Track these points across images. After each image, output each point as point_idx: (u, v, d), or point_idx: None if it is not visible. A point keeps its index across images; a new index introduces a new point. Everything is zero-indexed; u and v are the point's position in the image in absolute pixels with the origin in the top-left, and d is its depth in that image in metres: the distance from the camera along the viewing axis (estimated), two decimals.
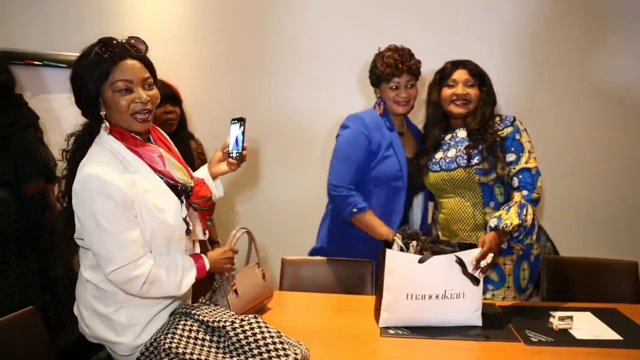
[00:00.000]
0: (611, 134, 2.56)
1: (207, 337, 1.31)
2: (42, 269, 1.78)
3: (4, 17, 2.44)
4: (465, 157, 1.81)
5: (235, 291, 1.52)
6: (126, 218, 1.24)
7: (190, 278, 1.35)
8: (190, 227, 1.36)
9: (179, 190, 1.38)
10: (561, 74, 2.54)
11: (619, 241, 2.55)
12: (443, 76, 1.89)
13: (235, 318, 1.32)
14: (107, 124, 1.28)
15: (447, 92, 1.86)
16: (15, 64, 1.88)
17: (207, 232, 1.50)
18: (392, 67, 1.85)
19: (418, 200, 2.02)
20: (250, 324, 1.30)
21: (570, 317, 1.52)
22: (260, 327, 1.29)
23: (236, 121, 1.50)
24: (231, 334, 1.28)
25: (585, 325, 1.54)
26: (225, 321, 1.31)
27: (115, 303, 1.32)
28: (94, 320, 1.35)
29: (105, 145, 1.29)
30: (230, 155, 1.50)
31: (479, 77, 1.86)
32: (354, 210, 1.84)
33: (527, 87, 2.57)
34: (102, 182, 1.21)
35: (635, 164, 2.57)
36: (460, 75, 1.85)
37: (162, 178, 1.33)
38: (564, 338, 1.46)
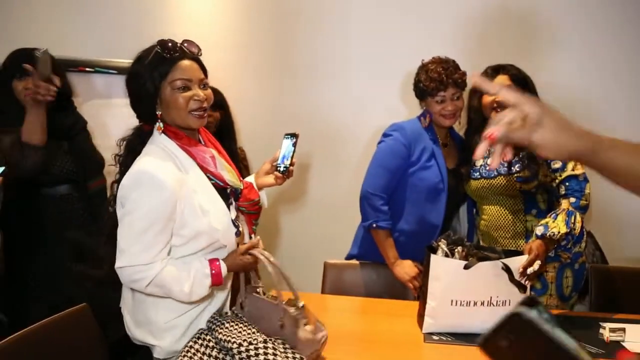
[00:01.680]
0: None
1: (220, 356, 1.25)
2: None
3: (61, 26, 2.55)
4: (506, 165, 1.78)
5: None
6: (161, 219, 1.23)
7: (203, 289, 1.30)
8: (240, 229, 1.37)
9: (228, 192, 1.39)
10: None
11: None
12: None
13: (245, 340, 1.24)
14: (160, 123, 1.31)
15: (488, 99, 1.82)
16: (70, 71, 1.97)
17: (253, 235, 1.50)
18: (436, 81, 1.81)
19: (463, 211, 1.99)
20: (256, 349, 1.20)
21: (623, 329, 1.47)
22: (266, 354, 1.20)
23: (289, 136, 1.51)
24: (236, 357, 1.21)
25: (639, 337, 1.48)
26: (233, 342, 1.23)
27: (153, 304, 1.33)
28: (134, 324, 1.37)
29: (159, 144, 1.32)
30: (278, 168, 1.50)
31: (521, 83, 1.81)
32: (375, 225, 1.85)
33: None
34: (152, 178, 1.22)
35: None
36: (501, 81, 1.81)
37: (211, 180, 1.35)
38: (617, 350, 1.42)
